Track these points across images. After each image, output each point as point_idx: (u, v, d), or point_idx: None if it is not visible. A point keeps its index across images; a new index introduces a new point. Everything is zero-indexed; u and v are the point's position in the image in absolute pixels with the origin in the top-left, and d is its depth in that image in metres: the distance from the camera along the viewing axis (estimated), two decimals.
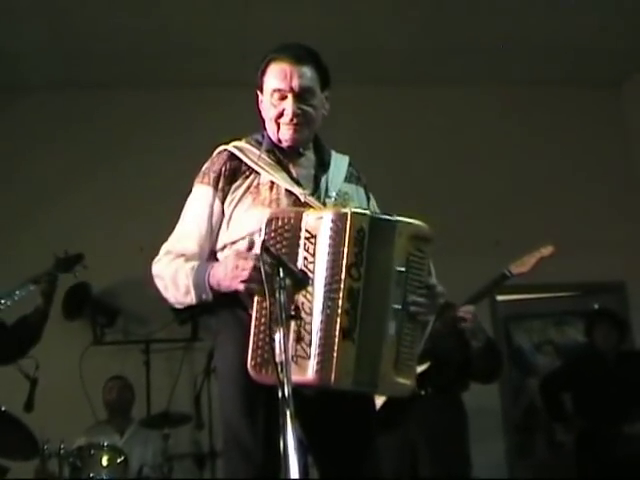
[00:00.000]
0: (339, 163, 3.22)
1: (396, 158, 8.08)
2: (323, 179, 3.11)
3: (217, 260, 3.02)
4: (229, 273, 2.77)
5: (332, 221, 2.73)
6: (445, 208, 7.72)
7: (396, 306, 2.76)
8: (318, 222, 2.75)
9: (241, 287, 2.74)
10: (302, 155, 3.13)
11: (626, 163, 8.80)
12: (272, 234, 2.74)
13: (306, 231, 2.75)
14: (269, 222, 2.76)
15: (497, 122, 8.56)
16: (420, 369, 5.08)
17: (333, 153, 3.24)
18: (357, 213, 2.77)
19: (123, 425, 6.75)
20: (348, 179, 3.20)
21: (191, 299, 2.92)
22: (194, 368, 7.36)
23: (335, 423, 2.86)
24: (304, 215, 2.78)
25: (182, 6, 7.02)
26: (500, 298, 8.14)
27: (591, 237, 8.07)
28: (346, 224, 2.71)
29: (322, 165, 3.15)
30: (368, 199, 3.27)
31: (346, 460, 2.91)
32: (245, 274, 2.70)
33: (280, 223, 2.76)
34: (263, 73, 3.10)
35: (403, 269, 2.78)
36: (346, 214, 2.74)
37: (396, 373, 2.75)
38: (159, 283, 3.04)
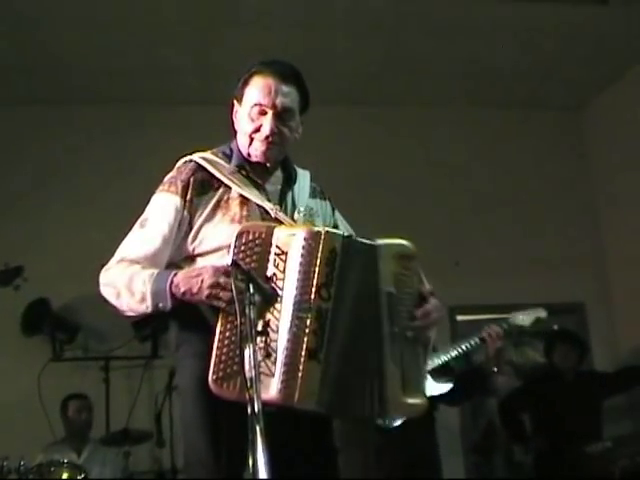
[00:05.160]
0: (301, 179, 3.18)
1: (356, 179, 8.09)
2: (289, 195, 3.07)
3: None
4: (205, 289, 2.66)
5: (304, 239, 2.68)
6: (405, 229, 7.70)
7: (393, 328, 2.75)
8: (290, 239, 2.70)
9: (220, 304, 2.65)
10: (271, 173, 3.07)
11: (586, 185, 8.90)
12: (242, 247, 2.67)
13: (277, 247, 2.69)
14: (239, 236, 2.69)
15: (458, 144, 8.63)
16: (445, 388, 5.21)
17: (296, 169, 3.18)
18: (331, 233, 2.74)
19: (81, 444, 6.68)
20: (312, 194, 3.17)
21: (146, 307, 2.80)
22: (154, 386, 7.31)
23: (295, 439, 2.80)
24: (275, 230, 2.72)
25: (146, 24, 7.02)
26: (460, 318, 8.17)
27: (550, 258, 8.16)
28: (319, 243, 2.67)
29: (289, 182, 3.10)
30: (333, 211, 3.25)
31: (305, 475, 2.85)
32: (227, 295, 2.60)
33: (250, 237, 2.69)
34: (245, 83, 3.01)
35: (393, 290, 2.77)
36: (319, 233, 2.71)
37: (405, 394, 2.76)
38: (108, 291, 2.89)
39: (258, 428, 2.21)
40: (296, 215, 3.01)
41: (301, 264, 2.66)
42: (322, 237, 2.69)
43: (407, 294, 2.81)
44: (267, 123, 2.93)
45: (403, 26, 7.24)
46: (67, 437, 6.80)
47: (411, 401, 2.77)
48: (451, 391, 5.49)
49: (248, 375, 2.32)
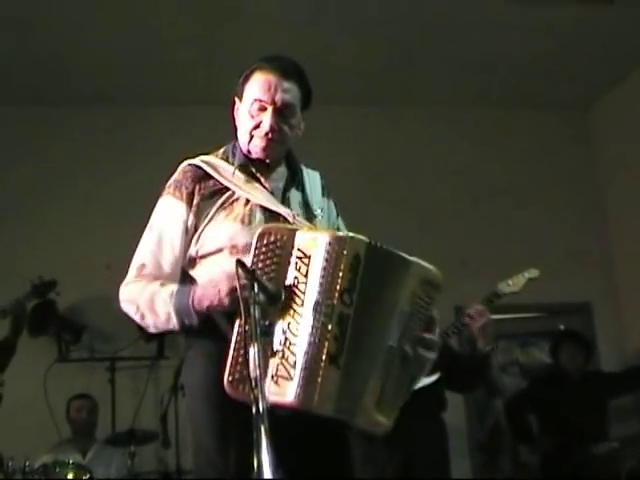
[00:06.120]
0: (312, 179, 3.16)
1: (360, 178, 8.07)
2: (295, 195, 3.05)
3: (188, 277, 2.94)
4: (225, 298, 2.66)
5: (328, 244, 2.62)
6: (411, 227, 7.73)
7: (391, 344, 2.69)
8: (313, 243, 2.65)
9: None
10: (273, 169, 3.04)
11: (593, 184, 8.88)
12: (263, 249, 2.64)
13: (299, 250, 2.64)
14: (260, 237, 2.65)
15: (465, 144, 8.61)
16: (429, 380, 5.17)
17: (304, 169, 3.16)
18: (355, 238, 2.67)
19: (86, 445, 6.69)
20: (322, 193, 3.16)
21: (174, 325, 2.81)
22: (160, 386, 7.32)
23: (307, 441, 2.78)
24: (297, 233, 2.68)
25: (149, 24, 7.03)
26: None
27: (557, 258, 8.12)
28: (343, 248, 2.62)
29: (293, 180, 3.07)
30: (337, 215, 3.23)
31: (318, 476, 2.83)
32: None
33: (272, 239, 2.64)
34: (246, 80, 2.99)
35: (407, 309, 2.71)
36: (344, 238, 2.67)
37: (376, 410, 2.68)
38: (130, 309, 2.92)
39: (263, 428, 2.18)
40: (314, 218, 3.01)
41: (324, 268, 2.61)
42: (346, 242, 2.65)
43: (419, 319, 2.75)
44: (267, 119, 2.91)
45: (406, 24, 7.24)
46: (72, 437, 6.81)
47: (379, 418, 2.70)
48: (456, 376, 5.49)
49: (252, 375, 2.29)
